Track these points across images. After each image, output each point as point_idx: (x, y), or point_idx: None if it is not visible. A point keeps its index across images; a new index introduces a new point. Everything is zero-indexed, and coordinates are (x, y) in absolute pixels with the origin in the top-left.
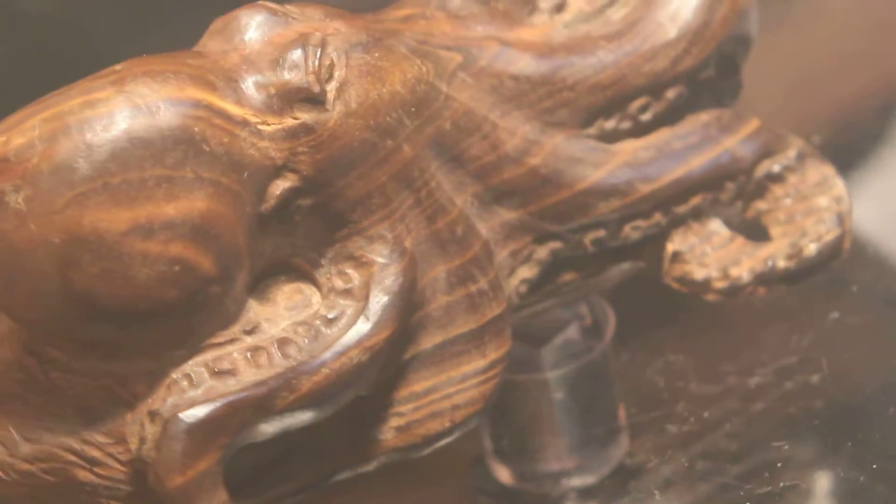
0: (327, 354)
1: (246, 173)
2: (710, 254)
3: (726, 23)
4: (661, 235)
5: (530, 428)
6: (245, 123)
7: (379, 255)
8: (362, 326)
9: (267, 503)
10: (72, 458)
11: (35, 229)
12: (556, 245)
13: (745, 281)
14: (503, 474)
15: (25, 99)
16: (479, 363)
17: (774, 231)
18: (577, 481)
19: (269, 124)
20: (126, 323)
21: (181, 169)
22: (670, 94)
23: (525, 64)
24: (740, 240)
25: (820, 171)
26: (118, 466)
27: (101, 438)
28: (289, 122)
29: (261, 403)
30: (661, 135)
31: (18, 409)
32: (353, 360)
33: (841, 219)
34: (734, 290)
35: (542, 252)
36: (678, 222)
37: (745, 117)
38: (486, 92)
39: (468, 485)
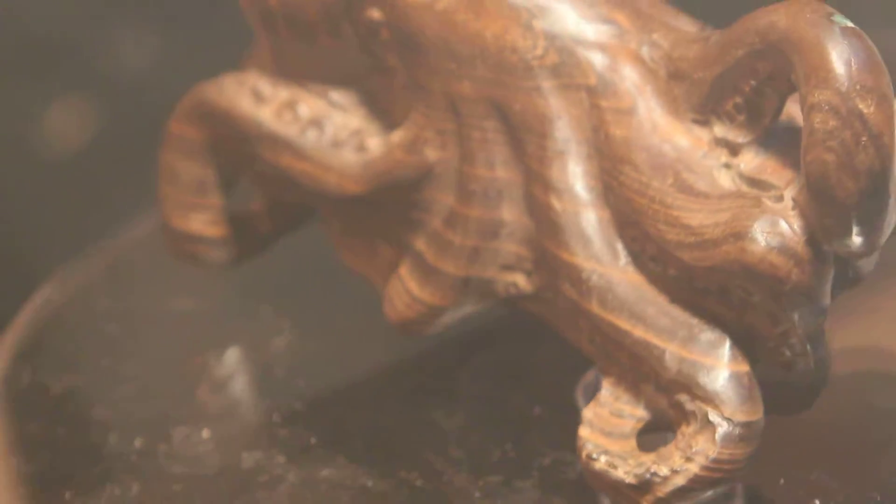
0: (319, 160)
1: None
2: (602, 408)
3: (727, 257)
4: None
5: None
6: None
7: (405, 134)
8: (358, 166)
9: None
10: None
11: None
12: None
13: (581, 445)
14: None
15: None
16: (412, 287)
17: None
18: None
19: None
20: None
21: None
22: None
23: (622, 134)
24: (630, 424)
25: (705, 439)
26: None
27: None
28: None
29: (250, 138)
30: (652, 296)
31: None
32: (324, 178)
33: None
34: (576, 447)
35: (538, 280)
36: (611, 366)
37: (716, 351)
38: (587, 127)
39: None
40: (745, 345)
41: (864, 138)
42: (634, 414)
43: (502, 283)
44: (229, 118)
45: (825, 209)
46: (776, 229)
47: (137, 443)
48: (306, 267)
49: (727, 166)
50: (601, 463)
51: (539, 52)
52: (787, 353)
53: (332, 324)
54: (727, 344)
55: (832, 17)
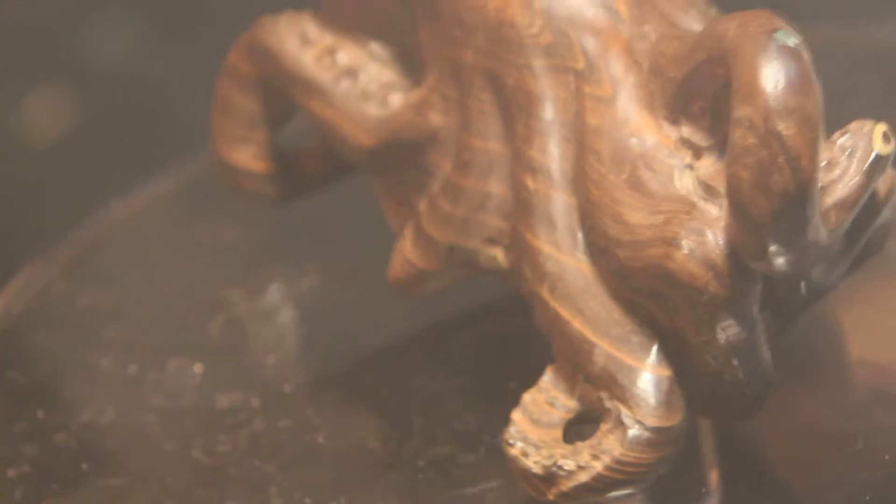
0: (343, 110)
1: None
2: (540, 393)
3: (652, 260)
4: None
5: None
6: None
7: (417, 96)
8: (374, 121)
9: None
10: None
11: None
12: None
13: (507, 428)
14: None
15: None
16: (406, 248)
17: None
18: None
19: None
20: None
21: None
22: None
23: (595, 122)
24: (559, 414)
25: (614, 439)
26: None
27: None
28: None
29: (290, 78)
30: (597, 289)
31: None
32: (343, 128)
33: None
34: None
35: (512, 257)
36: (556, 353)
37: (642, 353)
38: (572, 111)
39: None
40: (676, 350)
41: (780, 159)
42: (566, 405)
43: (484, 255)
44: (275, 57)
45: (740, 225)
46: (701, 239)
47: (131, 369)
48: (353, 211)
49: (690, 168)
50: (515, 449)
51: (535, 30)
52: (713, 362)
53: (361, 273)
54: (654, 347)
55: (774, 33)
